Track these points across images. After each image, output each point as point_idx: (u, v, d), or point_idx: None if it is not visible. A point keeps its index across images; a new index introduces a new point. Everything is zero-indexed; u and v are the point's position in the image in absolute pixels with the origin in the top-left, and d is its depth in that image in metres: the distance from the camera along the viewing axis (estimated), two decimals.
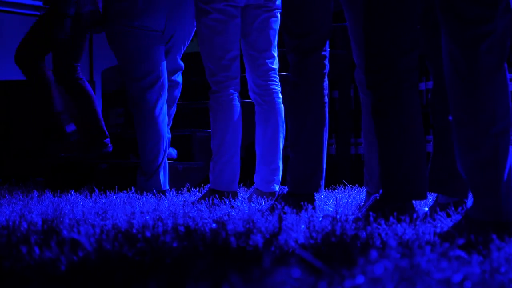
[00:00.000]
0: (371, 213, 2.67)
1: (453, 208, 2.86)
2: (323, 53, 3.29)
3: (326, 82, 3.32)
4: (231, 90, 4.03)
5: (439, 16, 2.41)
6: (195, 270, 1.57)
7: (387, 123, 2.79)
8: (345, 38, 4.56)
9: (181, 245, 1.98)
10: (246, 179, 4.95)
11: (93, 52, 12.90)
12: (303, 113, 3.27)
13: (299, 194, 3.26)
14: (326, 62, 3.31)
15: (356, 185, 4.89)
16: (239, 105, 4.04)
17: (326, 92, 3.32)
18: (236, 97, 4.04)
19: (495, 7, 2.31)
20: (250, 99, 4.20)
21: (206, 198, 3.92)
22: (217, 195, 3.94)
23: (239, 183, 4.49)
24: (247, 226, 2.35)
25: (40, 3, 11.91)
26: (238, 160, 4.04)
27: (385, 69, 2.78)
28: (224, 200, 3.87)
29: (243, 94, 4.16)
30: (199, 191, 4.74)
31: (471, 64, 2.32)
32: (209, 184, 4.06)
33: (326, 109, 3.32)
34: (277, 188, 4.03)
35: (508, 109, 2.33)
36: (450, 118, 2.39)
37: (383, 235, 2.19)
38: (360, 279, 1.49)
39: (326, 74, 3.32)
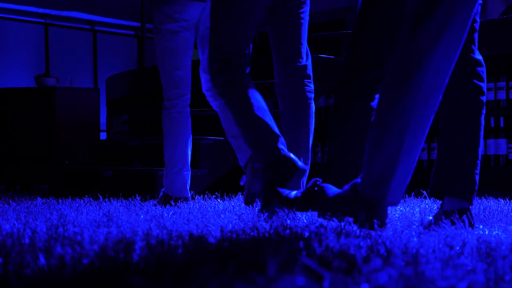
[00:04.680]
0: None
1: (457, 216, 2.86)
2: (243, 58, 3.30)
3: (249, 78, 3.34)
4: (181, 107, 4.40)
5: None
6: (199, 278, 1.57)
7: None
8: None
9: (185, 252, 1.98)
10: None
11: (97, 60, 12.92)
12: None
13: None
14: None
15: None
16: (189, 119, 4.39)
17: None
18: (187, 111, 4.40)
19: None
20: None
21: (161, 202, 4.36)
22: (171, 201, 4.38)
23: (239, 191, 4.53)
24: (252, 233, 2.35)
25: (44, 11, 11.94)
26: (187, 170, 4.45)
27: (353, 81, 2.93)
28: (229, 208, 3.87)
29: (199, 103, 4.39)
30: (203, 198, 4.74)
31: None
32: (164, 189, 4.49)
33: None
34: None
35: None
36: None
37: (387, 243, 2.18)
38: (365, 287, 1.49)
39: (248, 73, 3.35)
